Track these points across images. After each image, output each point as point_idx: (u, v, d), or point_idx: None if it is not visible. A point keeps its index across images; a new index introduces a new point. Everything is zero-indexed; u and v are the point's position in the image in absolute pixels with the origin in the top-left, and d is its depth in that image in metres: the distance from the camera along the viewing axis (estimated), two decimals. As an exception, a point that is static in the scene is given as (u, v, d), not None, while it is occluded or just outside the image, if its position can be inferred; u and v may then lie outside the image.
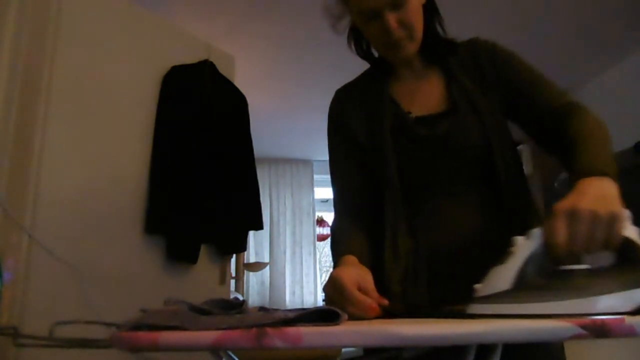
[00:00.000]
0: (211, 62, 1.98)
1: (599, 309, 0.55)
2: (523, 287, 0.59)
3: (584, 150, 0.75)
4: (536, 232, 0.62)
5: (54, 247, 1.40)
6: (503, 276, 0.60)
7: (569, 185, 0.68)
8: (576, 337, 0.46)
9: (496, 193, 0.88)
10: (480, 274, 0.85)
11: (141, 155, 1.72)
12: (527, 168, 3.52)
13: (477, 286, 0.62)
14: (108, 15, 1.70)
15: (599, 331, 0.46)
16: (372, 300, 0.72)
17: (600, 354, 2.17)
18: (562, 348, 0.87)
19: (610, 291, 0.56)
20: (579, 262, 0.60)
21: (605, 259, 0.61)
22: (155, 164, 1.73)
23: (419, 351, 0.56)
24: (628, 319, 0.47)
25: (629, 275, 0.58)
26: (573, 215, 0.61)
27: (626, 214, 0.62)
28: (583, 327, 0.46)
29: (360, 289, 0.73)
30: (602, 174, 0.68)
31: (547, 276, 0.60)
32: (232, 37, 2.80)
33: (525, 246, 0.61)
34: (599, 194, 0.64)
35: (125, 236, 1.62)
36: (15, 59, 1.44)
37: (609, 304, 0.55)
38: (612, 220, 0.60)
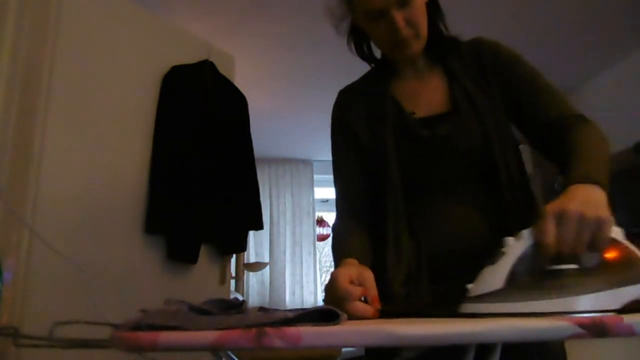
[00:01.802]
0: (211, 62, 1.98)
1: (587, 306, 0.57)
2: (514, 287, 0.60)
3: (580, 159, 0.77)
4: (526, 233, 0.64)
5: (54, 247, 1.40)
6: (495, 276, 0.62)
7: (562, 191, 0.70)
8: (575, 336, 0.46)
9: (498, 194, 0.88)
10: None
11: (141, 155, 1.72)
12: (527, 168, 3.51)
13: (469, 286, 0.64)
14: (108, 15, 1.70)
15: (598, 331, 0.46)
16: (360, 288, 0.73)
17: (600, 354, 2.17)
18: (563, 348, 0.87)
19: (597, 290, 0.58)
20: (568, 262, 0.62)
21: (594, 259, 0.63)
22: (155, 164, 1.73)
23: (418, 351, 0.56)
24: (627, 319, 0.47)
25: (616, 274, 0.60)
26: (562, 217, 0.63)
27: (611, 219, 0.64)
28: (582, 326, 0.46)
29: (354, 283, 0.74)
30: (593, 182, 0.70)
31: (538, 276, 0.62)
32: (232, 37, 2.80)
33: (516, 246, 0.63)
34: (587, 198, 0.66)
35: (125, 236, 1.62)
36: (15, 59, 1.44)
37: (596, 302, 0.58)
38: (599, 222, 0.62)
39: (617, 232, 0.63)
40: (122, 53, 1.72)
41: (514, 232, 0.84)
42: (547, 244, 0.62)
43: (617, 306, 0.57)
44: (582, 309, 0.57)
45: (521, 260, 0.62)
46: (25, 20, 1.47)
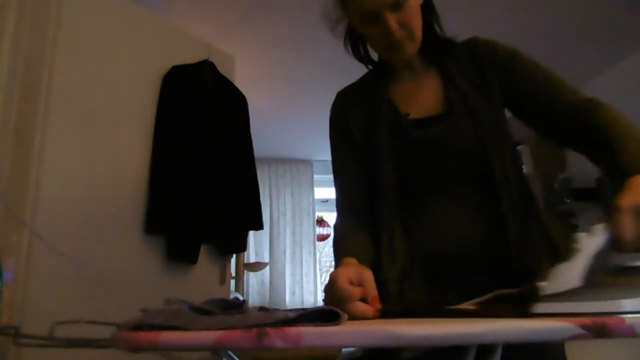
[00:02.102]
0: (211, 62, 1.98)
1: None
2: (593, 284, 0.58)
3: (624, 147, 0.74)
4: (600, 228, 0.61)
5: (54, 247, 1.40)
6: (570, 273, 0.59)
7: (612, 183, 0.67)
8: (576, 337, 0.46)
9: (493, 194, 0.88)
10: (475, 275, 0.85)
11: (141, 155, 1.72)
12: (527, 168, 3.52)
13: (542, 284, 0.60)
14: (108, 15, 1.70)
15: (599, 331, 0.46)
16: (360, 289, 0.72)
17: (600, 354, 2.17)
18: (563, 348, 0.87)
19: None
20: None
21: None
22: (155, 164, 1.73)
23: (418, 351, 0.56)
24: (628, 319, 0.47)
25: None
26: (638, 211, 0.60)
27: None
28: (583, 327, 0.46)
29: (353, 284, 0.73)
30: None
31: (616, 273, 0.59)
32: (232, 37, 2.80)
33: (590, 242, 0.61)
34: None
35: (125, 236, 1.62)
36: (15, 59, 1.44)
37: None
38: None
39: None
40: (122, 53, 1.72)
41: (508, 232, 0.84)
42: (626, 240, 0.59)
43: None
44: None
45: (597, 256, 0.60)
46: (25, 20, 1.47)
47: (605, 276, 0.59)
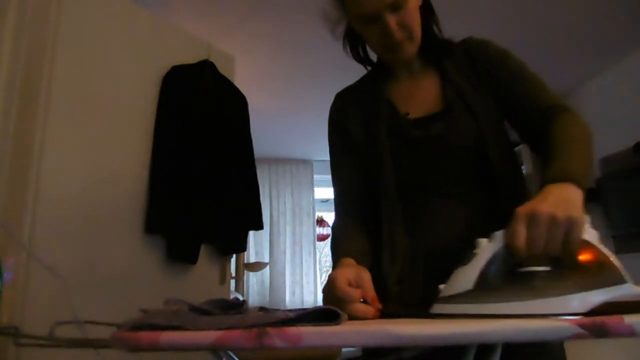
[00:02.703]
0: (211, 62, 1.98)
1: (556, 309, 0.56)
2: (484, 288, 0.61)
3: (559, 155, 0.76)
4: (498, 235, 0.64)
5: (54, 247, 1.40)
6: (465, 277, 0.62)
7: (539, 190, 0.69)
8: (576, 336, 0.46)
9: (493, 193, 0.88)
10: None
11: (141, 155, 1.72)
12: (527, 168, 3.52)
13: (441, 286, 0.64)
14: (108, 15, 1.70)
15: (599, 331, 0.46)
16: (359, 291, 0.73)
17: (600, 354, 2.17)
18: (562, 348, 0.87)
19: (567, 292, 0.58)
20: (540, 264, 0.62)
21: (565, 261, 0.62)
22: (155, 164, 1.73)
23: (418, 351, 0.56)
24: (627, 319, 0.47)
25: (586, 277, 0.59)
26: (532, 218, 0.62)
27: (586, 219, 0.63)
28: (583, 327, 0.46)
29: (351, 285, 0.74)
30: (569, 180, 0.68)
31: (509, 277, 0.62)
32: (232, 37, 2.80)
33: (487, 248, 0.63)
34: (560, 198, 0.65)
35: (125, 236, 1.62)
36: (15, 59, 1.44)
37: (565, 305, 0.57)
38: (570, 224, 0.61)
39: (591, 234, 0.62)
40: (122, 53, 1.72)
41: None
42: (517, 247, 0.61)
43: (586, 309, 0.57)
44: (550, 311, 0.56)
45: (492, 261, 0.62)
46: (25, 20, 1.47)
47: (498, 280, 0.61)
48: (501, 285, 0.61)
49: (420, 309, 0.67)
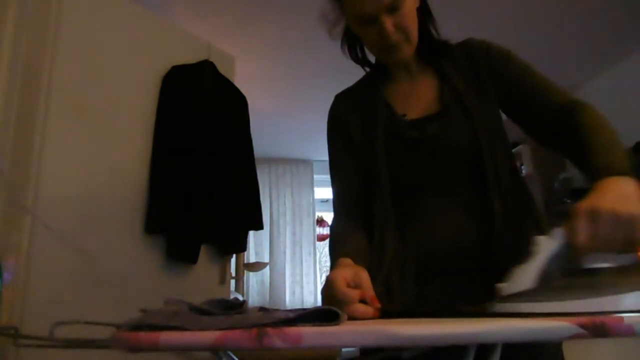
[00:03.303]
0: (211, 62, 1.98)
1: (623, 306, 0.55)
2: (545, 286, 0.59)
3: (599, 148, 0.74)
4: (558, 232, 0.62)
5: (54, 246, 1.40)
6: (526, 275, 0.61)
7: (587, 185, 0.67)
8: (575, 336, 0.46)
9: (486, 194, 0.88)
10: (465, 276, 0.85)
11: (141, 155, 1.72)
12: (527, 168, 3.52)
13: (500, 285, 0.63)
14: (108, 15, 1.70)
15: (598, 331, 0.46)
16: (358, 291, 0.72)
17: (600, 354, 2.17)
18: (560, 348, 0.87)
19: (631, 290, 0.56)
20: (602, 261, 0.60)
21: (629, 258, 0.61)
22: (155, 164, 1.73)
23: (418, 351, 0.56)
24: (627, 319, 0.47)
25: None
26: (594, 215, 0.60)
27: None
28: (582, 326, 0.46)
29: (350, 286, 0.74)
30: (621, 173, 0.67)
31: (570, 275, 0.61)
32: (232, 37, 2.80)
33: (547, 245, 0.62)
34: (620, 193, 0.64)
35: (125, 236, 1.62)
36: (15, 59, 1.44)
37: (632, 302, 0.55)
38: (633, 220, 0.60)
39: None
40: (122, 53, 1.72)
41: (501, 232, 0.85)
42: (579, 244, 0.60)
43: None
44: (616, 309, 0.54)
45: (553, 259, 0.61)
46: (25, 20, 1.47)
47: (559, 278, 0.61)
48: (563, 283, 0.60)
49: (425, 308, 0.67)
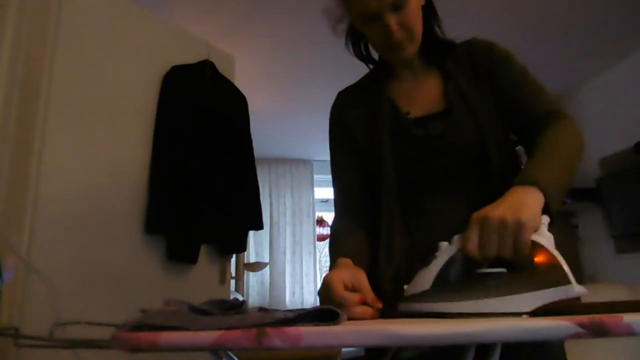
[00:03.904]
0: (211, 62, 1.98)
1: (504, 308, 0.61)
2: (440, 288, 0.66)
3: (533, 162, 0.78)
4: (457, 238, 0.68)
5: (54, 247, 1.40)
6: (425, 278, 0.67)
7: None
8: (575, 336, 0.46)
9: (492, 192, 0.88)
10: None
11: (141, 155, 1.72)
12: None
13: (405, 286, 0.69)
14: (108, 15, 1.70)
15: (598, 330, 0.46)
16: (358, 295, 0.73)
17: (600, 354, 2.17)
18: (562, 347, 0.87)
19: (514, 293, 0.62)
20: (494, 266, 0.65)
21: (517, 263, 0.65)
22: (155, 164, 1.73)
23: (418, 351, 0.56)
24: (626, 318, 0.47)
25: (534, 279, 0.64)
26: (483, 223, 0.66)
27: (544, 219, 0.67)
28: (582, 326, 0.46)
29: (348, 288, 0.74)
30: (532, 183, 0.71)
31: (464, 278, 0.66)
32: (232, 37, 2.80)
33: (446, 251, 0.68)
34: (515, 201, 0.68)
35: (125, 236, 1.62)
36: (15, 59, 1.44)
37: (510, 305, 0.61)
38: (518, 228, 0.64)
39: (546, 237, 0.66)
40: (122, 53, 1.72)
41: None
42: (469, 251, 0.65)
43: (530, 309, 0.61)
44: (499, 310, 0.61)
45: (450, 264, 0.67)
46: (25, 20, 1.47)
47: (454, 281, 0.66)
48: (456, 285, 0.66)
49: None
